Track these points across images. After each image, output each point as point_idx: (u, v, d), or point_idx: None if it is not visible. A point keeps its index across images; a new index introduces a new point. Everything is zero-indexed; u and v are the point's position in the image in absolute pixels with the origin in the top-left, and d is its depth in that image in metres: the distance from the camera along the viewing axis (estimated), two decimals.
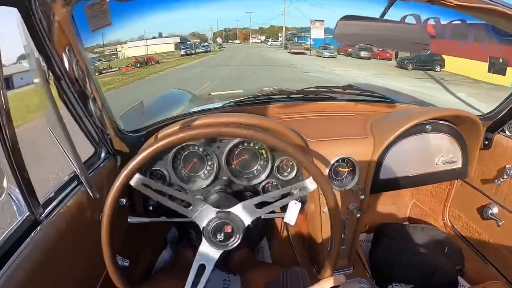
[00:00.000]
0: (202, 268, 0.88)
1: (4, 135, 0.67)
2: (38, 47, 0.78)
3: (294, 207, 0.96)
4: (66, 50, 0.83)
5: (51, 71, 0.84)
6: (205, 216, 0.85)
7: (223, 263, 0.90)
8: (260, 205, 0.88)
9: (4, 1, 0.65)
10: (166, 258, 1.54)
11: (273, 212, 0.92)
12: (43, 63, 0.81)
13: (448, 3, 0.87)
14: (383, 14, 0.97)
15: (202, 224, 0.85)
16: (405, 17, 1.03)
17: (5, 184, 0.85)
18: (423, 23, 1.02)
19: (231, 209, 0.86)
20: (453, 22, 1.02)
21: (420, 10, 1.01)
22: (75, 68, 0.87)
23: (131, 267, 0.97)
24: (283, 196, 0.92)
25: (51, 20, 0.76)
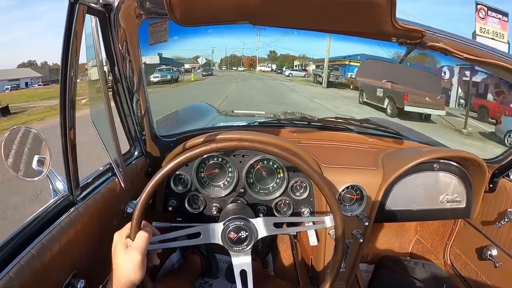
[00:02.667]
0: (243, 273, 0.95)
1: (67, 118, 0.79)
2: (106, 51, 0.93)
3: (313, 233, 1.08)
4: (127, 57, 0.97)
5: (112, 72, 0.98)
6: (228, 217, 0.94)
7: (231, 273, 0.96)
8: (276, 224, 0.96)
9: (90, 11, 0.79)
10: (174, 260, 1.61)
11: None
12: (106, 65, 0.95)
13: (458, 56, 0.99)
14: (401, 60, 1.09)
15: (224, 220, 0.93)
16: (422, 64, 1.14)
17: (41, 164, 0.97)
18: (438, 70, 1.13)
19: (252, 219, 0.94)
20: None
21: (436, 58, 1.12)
22: (131, 73, 1.01)
23: None
24: (298, 223, 1.02)
25: (122, 31, 0.91)
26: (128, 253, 0.78)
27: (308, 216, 1.22)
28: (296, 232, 1.65)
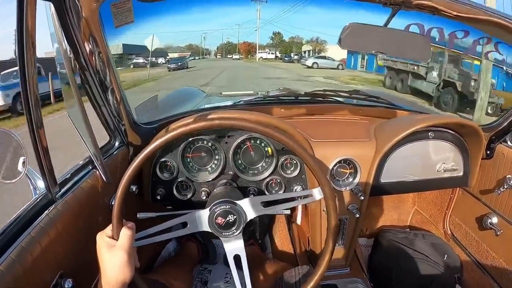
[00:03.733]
0: (237, 258, 0.92)
1: (33, 117, 0.74)
2: (68, 39, 0.87)
3: (299, 209, 1.03)
4: (92, 43, 0.91)
5: (77, 61, 0.92)
6: (213, 202, 0.90)
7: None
8: (266, 204, 0.92)
9: None
10: (170, 249, 1.60)
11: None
12: (70, 54, 0.89)
13: (448, 14, 0.92)
14: (387, 23, 1.02)
15: (209, 206, 0.89)
16: (409, 25, 1.08)
17: (24, 164, 0.93)
18: (427, 32, 1.07)
19: (238, 201, 0.90)
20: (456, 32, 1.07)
21: (423, 20, 1.05)
22: (98, 60, 0.95)
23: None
24: (288, 200, 0.99)
25: (80, 15, 0.84)
26: (113, 253, 0.75)
27: None
28: (291, 213, 1.63)
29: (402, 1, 0.90)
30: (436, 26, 1.06)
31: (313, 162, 0.86)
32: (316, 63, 8.11)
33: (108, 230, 0.80)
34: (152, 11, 1.09)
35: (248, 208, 0.90)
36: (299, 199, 1.03)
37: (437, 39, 1.07)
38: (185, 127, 0.82)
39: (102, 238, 0.78)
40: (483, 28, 1.03)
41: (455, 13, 0.93)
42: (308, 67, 8.06)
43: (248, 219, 0.90)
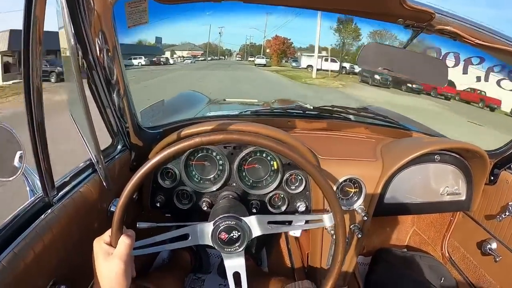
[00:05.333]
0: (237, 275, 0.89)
1: (34, 115, 0.69)
2: (77, 36, 0.82)
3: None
4: (102, 41, 0.86)
5: (85, 59, 0.87)
6: (218, 216, 0.86)
7: (224, 268, 0.90)
8: (271, 222, 0.89)
9: None
10: (164, 257, 1.56)
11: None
12: (78, 51, 0.85)
13: (469, 41, 0.91)
14: (406, 45, 1.00)
15: (213, 220, 0.86)
16: (426, 49, 1.07)
17: (22, 163, 0.88)
18: (443, 57, 1.06)
19: (244, 218, 0.86)
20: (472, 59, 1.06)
21: (440, 43, 1.05)
22: (107, 59, 0.90)
23: None
24: (292, 220, 0.97)
25: (93, 10, 0.80)
26: (109, 261, 0.71)
27: (303, 211, 1.16)
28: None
29: (425, 25, 0.89)
30: (453, 51, 1.05)
31: (329, 189, 0.84)
32: None
33: (106, 236, 0.76)
34: (168, 12, 1.05)
35: (254, 225, 0.87)
36: (307, 222, 1.00)
37: (452, 64, 1.06)
38: (201, 138, 0.78)
39: (100, 245, 0.74)
40: (504, 58, 1.03)
41: (476, 41, 0.92)
42: None
43: (253, 237, 0.87)
